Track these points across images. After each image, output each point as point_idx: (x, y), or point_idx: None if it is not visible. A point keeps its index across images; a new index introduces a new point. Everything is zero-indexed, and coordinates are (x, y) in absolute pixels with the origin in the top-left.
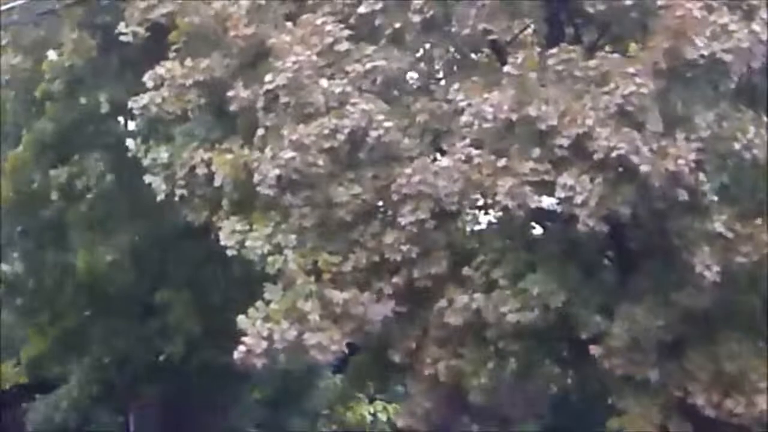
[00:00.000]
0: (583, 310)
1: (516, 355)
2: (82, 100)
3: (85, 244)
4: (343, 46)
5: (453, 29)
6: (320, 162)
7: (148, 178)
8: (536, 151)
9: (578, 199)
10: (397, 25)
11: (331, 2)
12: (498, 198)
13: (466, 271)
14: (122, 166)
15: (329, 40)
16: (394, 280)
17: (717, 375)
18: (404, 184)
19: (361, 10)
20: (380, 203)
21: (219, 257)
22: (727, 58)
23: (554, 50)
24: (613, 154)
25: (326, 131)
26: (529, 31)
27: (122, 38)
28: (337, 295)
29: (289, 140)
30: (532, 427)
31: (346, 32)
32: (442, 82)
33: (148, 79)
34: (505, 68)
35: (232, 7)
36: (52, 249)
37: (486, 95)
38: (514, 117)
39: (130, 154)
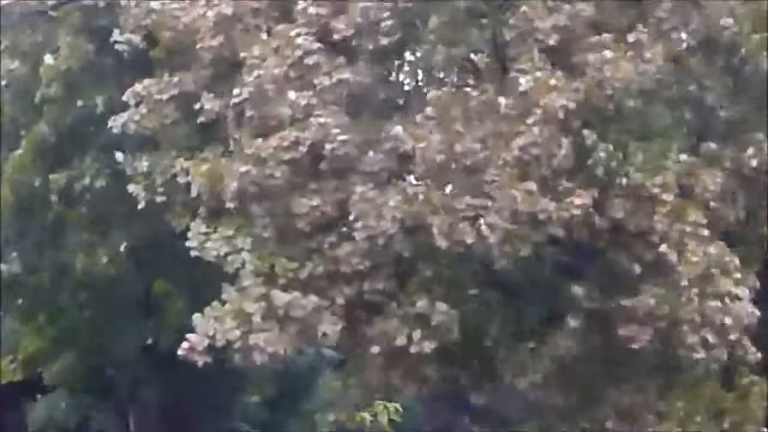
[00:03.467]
0: (489, 340)
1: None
2: (80, 103)
3: (83, 244)
4: (313, 59)
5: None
6: (278, 174)
7: (130, 188)
8: (469, 187)
9: (492, 239)
10: (371, 47)
11: (305, 14)
12: (435, 234)
13: (404, 291)
14: (118, 168)
15: (299, 52)
16: (346, 290)
17: (624, 406)
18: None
19: (338, 25)
20: (339, 215)
21: None
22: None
23: (468, 89)
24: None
25: (286, 143)
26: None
27: (117, 47)
28: (280, 297)
29: (247, 154)
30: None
31: (316, 45)
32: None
33: (127, 97)
34: (427, 110)
35: (202, 19)
36: (49, 249)
37: (418, 131)
38: (441, 158)
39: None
